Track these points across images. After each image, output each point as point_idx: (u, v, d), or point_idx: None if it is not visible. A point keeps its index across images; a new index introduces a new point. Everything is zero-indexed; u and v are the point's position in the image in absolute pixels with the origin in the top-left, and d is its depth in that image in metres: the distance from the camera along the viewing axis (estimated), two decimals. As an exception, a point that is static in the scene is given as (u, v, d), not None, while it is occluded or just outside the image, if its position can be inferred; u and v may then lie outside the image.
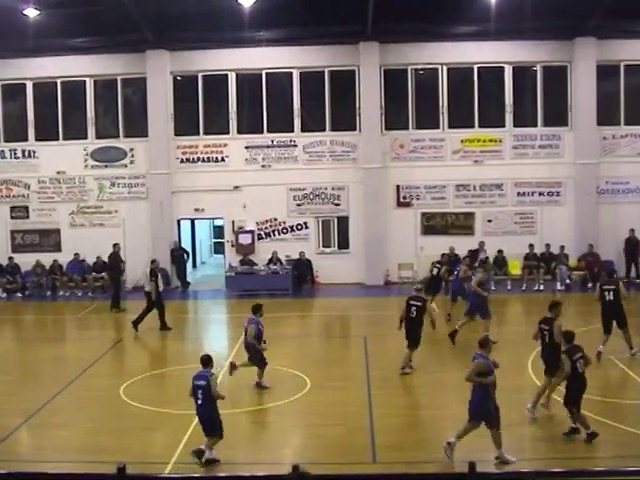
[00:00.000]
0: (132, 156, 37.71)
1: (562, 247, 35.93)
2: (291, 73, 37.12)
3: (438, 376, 22.22)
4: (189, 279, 38.06)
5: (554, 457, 15.65)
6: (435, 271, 31.13)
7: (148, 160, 37.32)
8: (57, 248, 38.11)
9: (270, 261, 36.44)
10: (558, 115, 37.42)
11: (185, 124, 37.60)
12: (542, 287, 35.18)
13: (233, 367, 21.24)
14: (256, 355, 20.88)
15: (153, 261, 29.82)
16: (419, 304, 22.38)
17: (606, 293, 23.26)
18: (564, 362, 16.48)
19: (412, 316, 22.35)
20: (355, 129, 37.23)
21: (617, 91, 37.29)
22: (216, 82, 37.26)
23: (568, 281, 35.36)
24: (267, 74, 37.08)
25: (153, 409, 19.15)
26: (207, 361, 16.23)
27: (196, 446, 15.76)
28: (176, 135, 37.38)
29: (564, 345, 16.99)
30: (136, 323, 28.45)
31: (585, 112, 36.56)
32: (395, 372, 22.31)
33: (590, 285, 35.10)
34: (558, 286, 34.89)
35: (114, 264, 33.63)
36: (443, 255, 33.43)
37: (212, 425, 15.80)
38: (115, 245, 33.93)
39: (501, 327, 29.08)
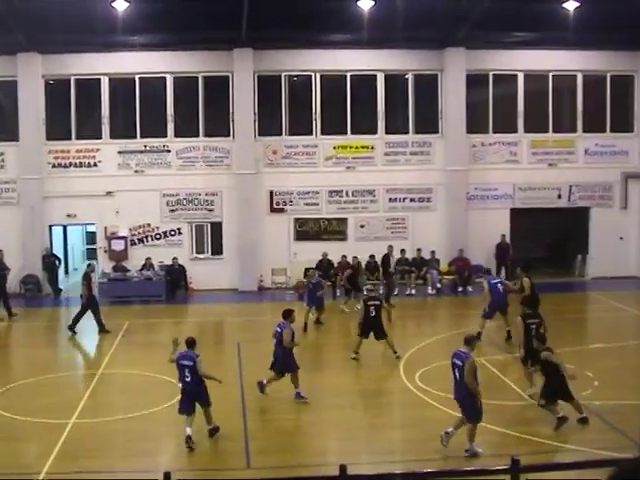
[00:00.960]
0: (2, 161, 36.94)
1: (433, 252, 36.55)
2: (165, 78, 36.93)
3: (311, 380, 22.43)
4: (61, 286, 37.48)
5: (425, 458, 15.96)
6: None
7: (19, 165, 36.61)
8: None
9: (143, 267, 36.17)
10: (429, 122, 38.08)
11: (57, 128, 37.02)
12: (414, 291, 35.79)
13: (262, 386, 20.64)
14: (289, 360, 20.45)
15: (89, 265, 30.57)
16: (377, 303, 24.44)
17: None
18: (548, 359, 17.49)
19: (372, 315, 24.17)
20: (228, 135, 37.22)
21: (486, 100, 38.15)
22: (89, 86, 36.78)
23: (439, 285, 36.01)
24: (140, 79, 36.79)
25: (24, 419, 18.84)
26: (192, 343, 17.91)
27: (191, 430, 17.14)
28: (48, 140, 36.78)
29: (540, 346, 18.17)
30: (72, 326, 28.71)
31: (455, 120, 37.31)
32: (266, 377, 22.46)
33: (460, 289, 35.81)
34: (429, 290, 35.51)
35: None
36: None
37: (203, 396, 17.56)
38: None
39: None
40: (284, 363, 20.41)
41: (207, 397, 17.72)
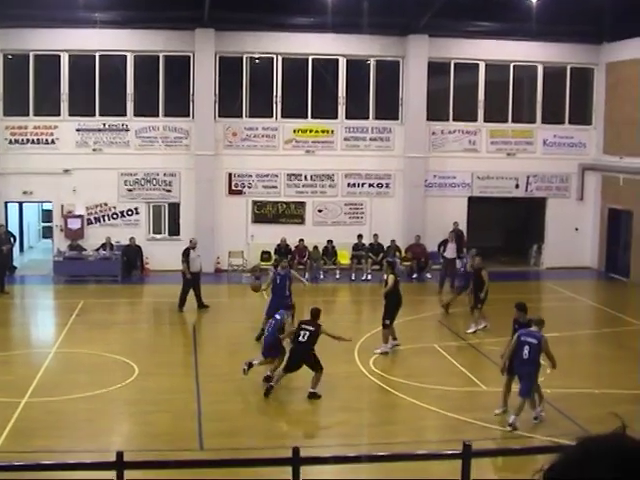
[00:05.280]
0: (-42, 135, 36.58)
1: (393, 241, 36.47)
2: (125, 56, 36.64)
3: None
4: (16, 263, 37.16)
5: (379, 442, 16.07)
6: None
7: (-25, 140, 36.26)
8: None
9: (99, 247, 35.91)
10: (389, 109, 38.10)
11: (15, 104, 36.60)
12: (370, 277, 35.75)
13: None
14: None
15: (191, 240, 30.59)
16: None
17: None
18: None
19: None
20: (188, 115, 37.02)
21: (447, 88, 38.23)
22: (48, 62, 36.35)
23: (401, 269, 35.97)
24: (101, 56, 36.48)
25: (-24, 396, 18.74)
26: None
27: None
28: (5, 115, 36.39)
29: None
30: (181, 305, 28.97)
31: (415, 107, 37.35)
32: (222, 359, 22.48)
33: (415, 275, 35.90)
34: (385, 276, 35.45)
35: None
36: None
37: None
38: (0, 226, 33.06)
39: (330, 315, 29.55)
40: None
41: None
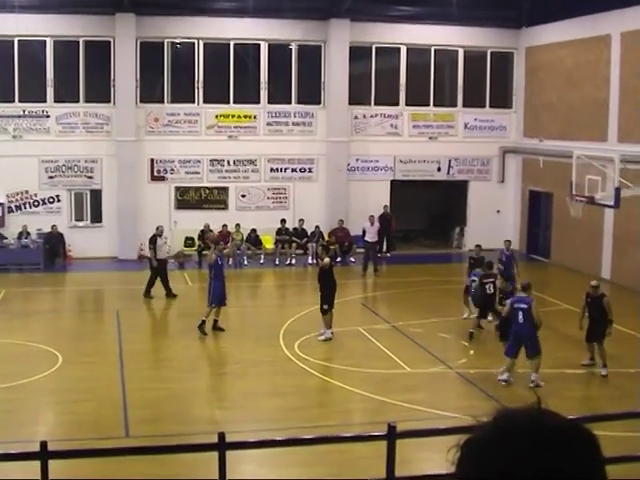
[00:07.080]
0: None
1: (317, 227, 36.53)
2: (45, 42, 36.13)
3: (191, 350, 22.42)
4: None
5: (305, 426, 16.15)
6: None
7: None
8: None
9: (20, 235, 35.46)
10: (312, 93, 38.16)
11: None
12: (294, 261, 35.82)
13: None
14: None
15: (157, 227, 30.32)
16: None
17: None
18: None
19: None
20: (109, 101, 36.65)
21: (368, 72, 38.40)
22: (-36, 48, 35.86)
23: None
24: (20, 41, 35.89)
25: None
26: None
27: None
28: None
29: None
30: (147, 292, 28.61)
31: (337, 91, 37.44)
32: (146, 346, 22.41)
33: (339, 259, 35.99)
34: (310, 260, 35.60)
35: None
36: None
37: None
38: None
39: (254, 300, 29.63)
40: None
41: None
